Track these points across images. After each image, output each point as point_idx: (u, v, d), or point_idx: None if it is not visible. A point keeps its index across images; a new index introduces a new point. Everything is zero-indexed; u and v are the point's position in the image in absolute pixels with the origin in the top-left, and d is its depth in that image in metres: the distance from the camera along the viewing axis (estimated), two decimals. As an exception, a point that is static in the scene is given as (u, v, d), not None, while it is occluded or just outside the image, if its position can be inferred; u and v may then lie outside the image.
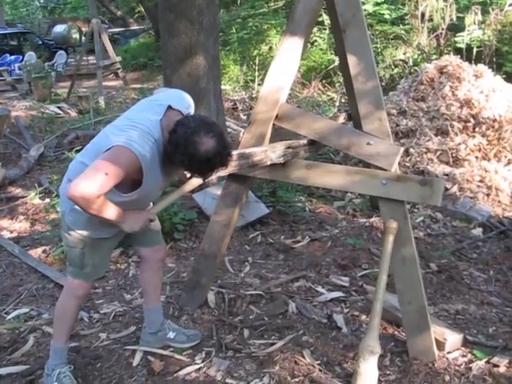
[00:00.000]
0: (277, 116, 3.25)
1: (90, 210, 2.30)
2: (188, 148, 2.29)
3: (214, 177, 2.80)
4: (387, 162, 2.89)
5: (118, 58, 12.92)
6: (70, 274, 2.77)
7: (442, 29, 9.49)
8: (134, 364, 3.04)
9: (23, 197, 5.86)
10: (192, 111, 2.71)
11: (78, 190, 2.21)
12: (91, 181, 2.23)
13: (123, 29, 24.12)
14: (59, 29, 20.32)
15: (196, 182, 2.74)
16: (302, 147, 3.25)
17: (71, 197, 2.24)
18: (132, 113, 2.56)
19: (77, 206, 2.35)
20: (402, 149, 2.99)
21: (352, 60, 3.02)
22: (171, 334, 3.16)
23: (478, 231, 4.72)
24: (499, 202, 5.10)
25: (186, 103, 2.64)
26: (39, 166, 7.07)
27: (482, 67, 6.12)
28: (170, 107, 2.51)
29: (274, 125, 3.28)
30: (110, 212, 2.39)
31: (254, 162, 2.97)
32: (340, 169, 3.08)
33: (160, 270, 3.15)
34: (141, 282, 3.20)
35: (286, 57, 3.22)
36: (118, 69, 13.06)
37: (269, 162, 3.03)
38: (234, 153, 2.96)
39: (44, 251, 4.54)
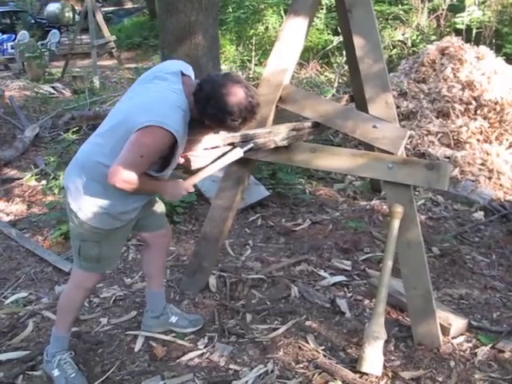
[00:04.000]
0: (280, 98, 3.19)
1: (134, 190, 2.38)
2: (219, 101, 2.30)
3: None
4: (393, 145, 2.84)
5: (113, 37, 12.74)
6: (83, 268, 2.67)
7: (443, 9, 9.37)
8: (136, 349, 3.01)
9: (19, 178, 5.78)
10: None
11: (120, 178, 2.28)
12: (129, 166, 2.28)
13: (117, 7, 23.85)
14: (52, 7, 20.05)
15: (235, 154, 2.72)
16: (305, 129, 3.19)
17: (114, 184, 2.30)
18: (149, 86, 2.45)
19: (95, 202, 2.45)
20: (409, 132, 2.94)
21: (358, 41, 2.95)
22: (173, 319, 3.13)
23: (479, 215, 4.69)
24: (501, 185, 5.07)
25: (190, 69, 2.60)
26: (34, 147, 6.96)
27: (483, 49, 6.05)
28: (182, 74, 2.47)
29: (277, 107, 3.22)
30: (151, 187, 2.52)
31: (257, 146, 2.92)
32: (345, 152, 3.03)
33: (164, 254, 3.12)
34: (145, 266, 3.14)
35: (290, 37, 3.14)
36: (113, 48, 12.88)
37: (273, 145, 2.97)
38: (237, 134, 2.91)
39: (41, 234, 4.49)
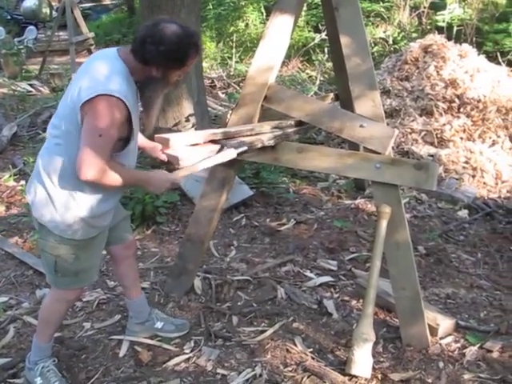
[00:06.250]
0: (265, 97, 3.14)
1: (110, 182, 2.26)
2: (155, 35, 2.20)
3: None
4: (381, 145, 2.81)
5: (91, 34, 12.55)
6: (60, 285, 2.55)
7: (424, 7, 9.40)
8: (121, 355, 2.95)
9: (-4, 179, 5.66)
10: None
11: (88, 168, 2.15)
12: (92, 152, 2.14)
13: (95, 3, 23.52)
14: (29, 3, 19.66)
15: (228, 155, 2.63)
16: (291, 128, 3.15)
17: (85, 178, 2.17)
18: (83, 73, 2.30)
19: (67, 212, 2.34)
20: (397, 131, 2.91)
21: (345, 40, 2.92)
22: (159, 324, 3.06)
23: (463, 213, 4.69)
24: (484, 183, 5.08)
25: None
26: (12, 147, 6.81)
27: (466, 47, 6.06)
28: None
29: (262, 106, 3.17)
30: (131, 177, 2.38)
31: (245, 145, 2.86)
32: (332, 152, 2.99)
33: (134, 263, 3.02)
34: (118, 279, 3.08)
35: (275, 36, 3.10)
36: (92, 45, 12.66)
37: (260, 145, 2.92)
38: (218, 131, 2.86)
39: (21, 236, 4.38)
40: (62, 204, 2.35)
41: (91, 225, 2.44)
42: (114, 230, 2.74)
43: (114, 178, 2.26)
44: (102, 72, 2.21)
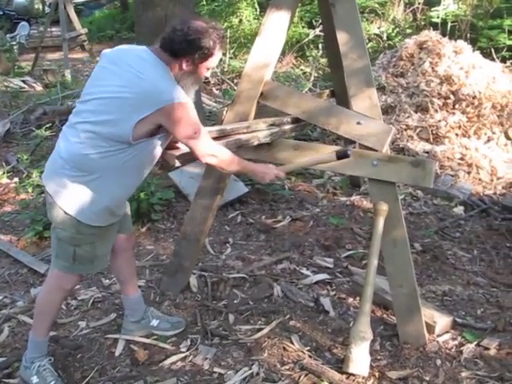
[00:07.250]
0: (261, 94, 3.12)
1: (229, 164, 2.58)
2: (183, 29, 2.34)
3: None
4: (378, 142, 2.80)
5: (84, 30, 12.48)
6: (75, 271, 2.57)
7: (419, 3, 9.39)
8: (117, 353, 2.93)
9: (-11, 176, 5.61)
10: None
11: (208, 160, 2.49)
12: (199, 144, 2.42)
13: (88, -1, 23.41)
14: (21, -1, 19.58)
15: (329, 158, 2.76)
16: (287, 125, 3.14)
17: (212, 166, 2.60)
18: (131, 75, 2.34)
19: (98, 199, 2.40)
20: (394, 128, 2.90)
21: (342, 36, 2.91)
22: (154, 322, 3.05)
23: (459, 209, 4.68)
24: (480, 179, 5.08)
25: None
26: (6, 144, 6.75)
27: (461, 43, 6.06)
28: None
29: (258, 103, 3.15)
30: (240, 161, 2.65)
31: (241, 143, 2.85)
32: (329, 149, 2.96)
33: (132, 258, 3.04)
34: (115, 272, 3.06)
35: (272, 32, 3.08)
36: (84, 41, 12.61)
37: (256, 142, 2.91)
38: (214, 129, 2.84)
39: (15, 234, 4.35)
40: (91, 193, 2.39)
41: (113, 212, 2.51)
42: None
43: (230, 161, 2.57)
44: (160, 78, 2.33)
